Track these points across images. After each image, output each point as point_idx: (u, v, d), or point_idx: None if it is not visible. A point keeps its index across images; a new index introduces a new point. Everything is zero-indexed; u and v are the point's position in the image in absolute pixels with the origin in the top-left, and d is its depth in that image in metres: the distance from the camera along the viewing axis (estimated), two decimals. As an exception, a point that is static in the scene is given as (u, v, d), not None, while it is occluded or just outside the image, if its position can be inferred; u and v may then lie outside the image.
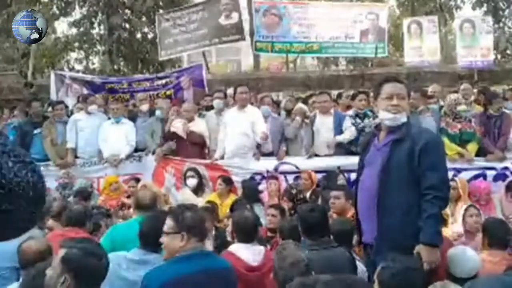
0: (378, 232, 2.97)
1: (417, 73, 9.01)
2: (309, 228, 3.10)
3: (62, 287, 1.93)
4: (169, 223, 2.48)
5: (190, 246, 2.43)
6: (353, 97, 6.64)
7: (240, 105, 6.12)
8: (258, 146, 6.13)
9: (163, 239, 2.49)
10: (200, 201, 4.99)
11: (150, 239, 2.76)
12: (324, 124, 6.08)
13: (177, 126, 6.13)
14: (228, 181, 5.57)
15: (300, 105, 6.72)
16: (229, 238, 3.90)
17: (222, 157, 6.12)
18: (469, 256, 3.00)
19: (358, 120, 6.03)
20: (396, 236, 2.85)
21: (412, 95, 5.64)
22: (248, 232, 3.13)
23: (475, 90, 7.31)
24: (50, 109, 7.21)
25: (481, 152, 5.88)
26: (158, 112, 6.62)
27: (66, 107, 7.20)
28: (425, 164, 2.83)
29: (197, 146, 6.30)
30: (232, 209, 4.61)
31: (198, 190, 5.61)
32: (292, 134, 6.20)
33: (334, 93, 8.23)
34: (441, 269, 2.96)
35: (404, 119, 2.96)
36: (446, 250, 3.05)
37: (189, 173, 5.70)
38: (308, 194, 5.33)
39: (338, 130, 6.00)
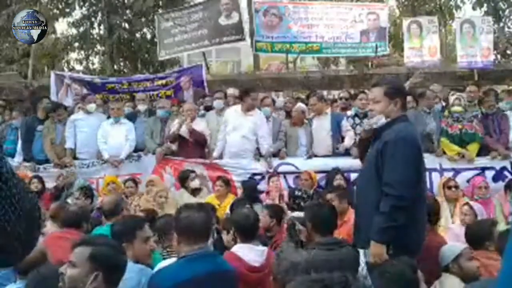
0: (356, 230, 3.08)
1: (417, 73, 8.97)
2: (318, 225, 3.10)
3: (93, 284, 1.94)
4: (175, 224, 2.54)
5: (197, 246, 2.44)
6: (354, 97, 6.66)
7: (246, 109, 6.05)
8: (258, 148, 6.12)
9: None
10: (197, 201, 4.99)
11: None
12: (320, 125, 6.09)
13: (182, 129, 6.14)
14: (227, 182, 5.56)
15: (299, 104, 6.71)
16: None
17: (220, 157, 6.11)
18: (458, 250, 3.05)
19: (357, 120, 6.04)
20: (367, 234, 2.89)
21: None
22: (249, 230, 3.10)
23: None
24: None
25: (482, 152, 5.89)
26: (162, 112, 6.63)
27: (65, 108, 7.14)
28: (384, 162, 2.87)
29: (198, 145, 6.30)
30: (232, 209, 4.61)
31: (196, 191, 5.60)
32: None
33: (335, 93, 8.19)
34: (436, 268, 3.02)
35: (381, 120, 3.02)
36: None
37: (192, 175, 5.66)
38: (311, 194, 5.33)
39: (336, 130, 6.00)
